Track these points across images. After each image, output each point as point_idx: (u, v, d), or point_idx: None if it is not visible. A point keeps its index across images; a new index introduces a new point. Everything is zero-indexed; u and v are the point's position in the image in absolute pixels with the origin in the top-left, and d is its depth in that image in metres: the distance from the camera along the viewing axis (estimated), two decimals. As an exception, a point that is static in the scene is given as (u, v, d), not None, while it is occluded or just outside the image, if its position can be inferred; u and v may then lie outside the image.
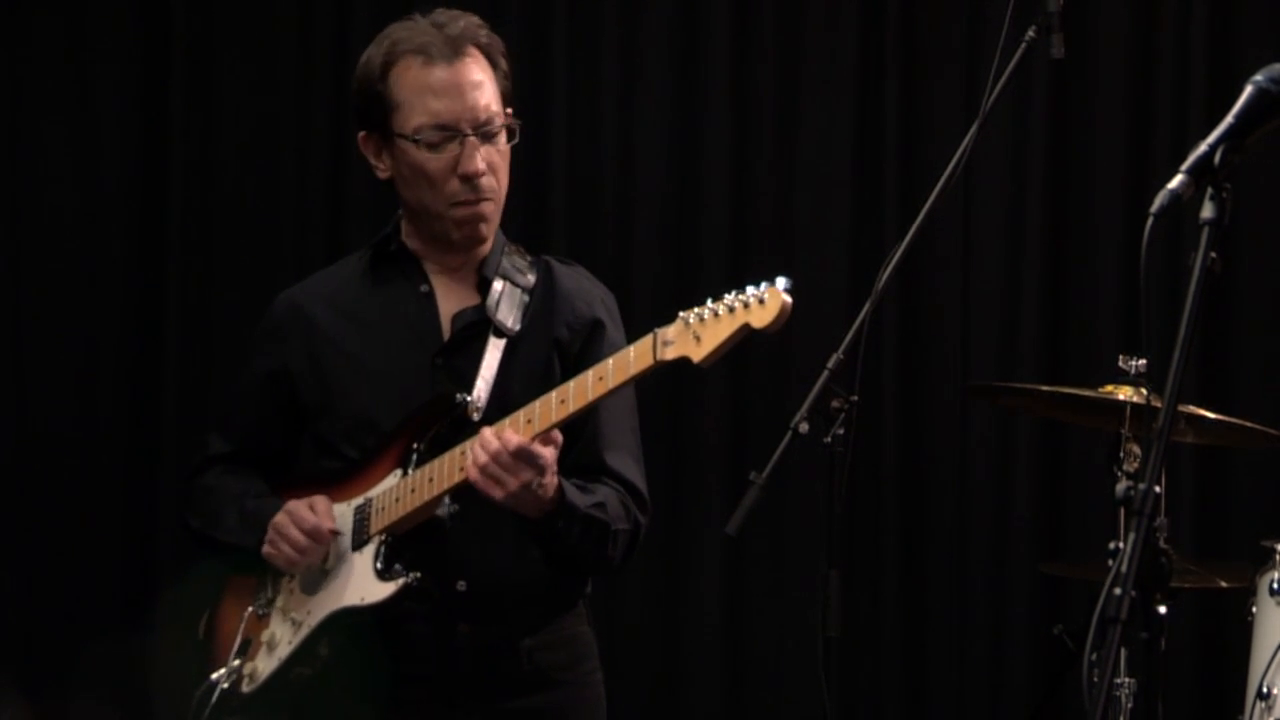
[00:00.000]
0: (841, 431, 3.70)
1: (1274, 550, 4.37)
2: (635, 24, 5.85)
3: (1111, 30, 5.70)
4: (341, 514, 3.46)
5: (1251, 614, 4.41)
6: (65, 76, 5.84)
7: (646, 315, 5.68)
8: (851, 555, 5.54)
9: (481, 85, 3.43)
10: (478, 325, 3.48)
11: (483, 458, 3.22)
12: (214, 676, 3.52)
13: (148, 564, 5.74)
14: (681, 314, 3.12)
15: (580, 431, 3.45)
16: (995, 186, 5.73)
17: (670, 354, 3.11)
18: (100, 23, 5.85)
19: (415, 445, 3.40)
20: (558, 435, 3.27)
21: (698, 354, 3.09)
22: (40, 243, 5.83)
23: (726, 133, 5.82)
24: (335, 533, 3.43)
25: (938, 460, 5.75)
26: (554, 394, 3.24)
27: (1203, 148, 2.48)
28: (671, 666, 5.81)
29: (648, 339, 3.16)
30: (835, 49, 5.80)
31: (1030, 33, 3.96)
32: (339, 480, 3.51)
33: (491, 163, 3.45)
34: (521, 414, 3.26)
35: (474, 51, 3.45)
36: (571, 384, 3.23)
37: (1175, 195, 2.45)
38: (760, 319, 3.06)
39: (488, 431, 3.25)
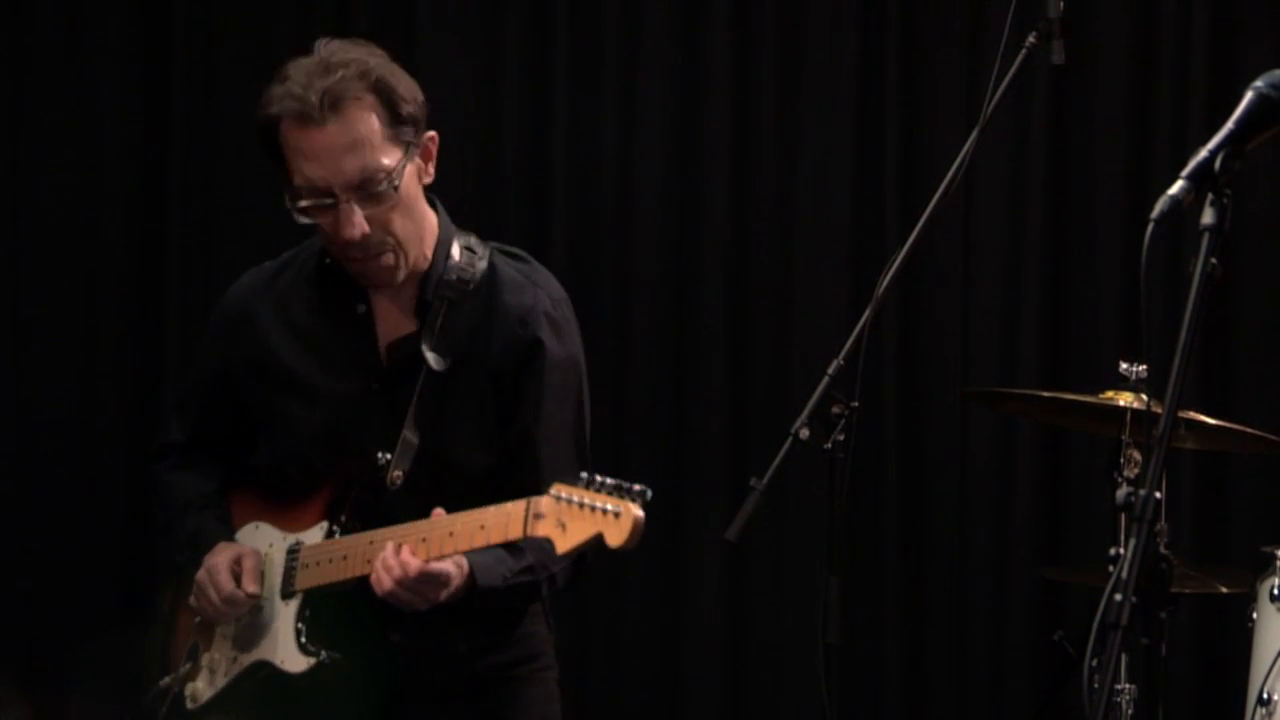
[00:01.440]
0: (842, 437, 3.70)
1: (1274, 556, 4.36)
2: (635, 28, 5.85)
3: (1112, 36, 5.70)
4: (277, 546, 3.46)
5: (1252, 619, 4.41)
6: (65, 77, 5.85)
7: (645, 322, 5.77)
8: (852, 561, 5.49)
9: (355, 145, 3.28)
10: (413, 359, 3.40)
11: (387, 583, 3.21)
12: (163, 683, 3.56)
13: (147, 564, 5.73)
14: (554, 490, 3.06)
15: (520, 458, 3.42)
16: (996, 192, 5.73)
17: (539, 530, 3.08)
18: (101, 22, 5.86)
19: (341, 509, 3.40)
20: (460, 560, 3.25)
21: (559, 546, 3.07)
22: (41, 242, 5.84)
23: (727, 138, 5.82)
24: (254, 596, 3.41)
25: (938, 466, 5.75)
26: (445, 522, 3.21)
27: (1203, 153, 2.48)
28: (672, 672, 5.80)
29: (522, 506, 3.11)
30: (836, 55, 5.80)
31: (1031, 39, 3.97)
32: (277, 500, 3.50)
33: (378, 219, 3.31)
34: (417, 531, 3.23)
35: (349, 109, 3.28)
36: (459, 523, 3.19)
37: (1176, 201, 2.45)
38: (613, 537, 3.01)
39: (389, 554, 3.22)
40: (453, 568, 3.24)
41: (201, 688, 3.51)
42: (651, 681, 5.81)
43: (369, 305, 3.46)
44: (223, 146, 5.86)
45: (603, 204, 5.84)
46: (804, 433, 3.69)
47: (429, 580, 3.21)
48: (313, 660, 3.35)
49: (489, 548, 3.23)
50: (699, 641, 5.78)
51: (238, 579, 3.42)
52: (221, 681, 3.48)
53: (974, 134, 3.88)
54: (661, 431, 5.79)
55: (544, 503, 3.07)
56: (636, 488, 3.02)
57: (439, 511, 3.24)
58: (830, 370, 3.74)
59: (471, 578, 3.28)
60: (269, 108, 3.33)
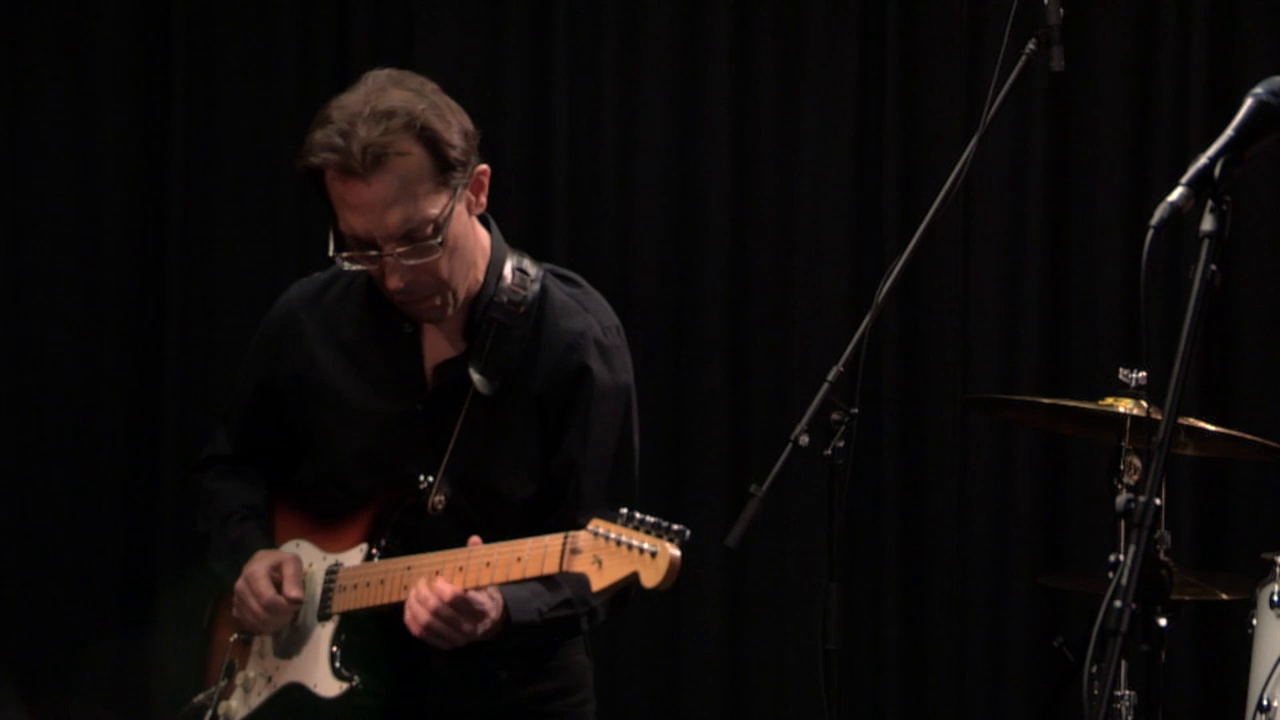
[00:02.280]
0: (842, 444, 3.70)
1: (1274, 562, 4.37)
2: (635, 33, 5.85)
3: (1111, 43, 5.71)
4: (317, 566, 3.42)
5: (1252, 626, 4.41)
6: (65, 79, 5.85)
7: (646, 330, 5.77)
8: (852, 567, 5.54)
9: (401, 198, 3.19)
10: (460, 383, 3.34)
11: (423, 616, 3.17)
12: (198, 699, 3.51)
13: (148, 565, 5.74)
14: (592, 526, 3.03)
15: (563, 487, 3.37)
16: (995, 199, 5.74)
17: (575, 566, 3.04)
18: (100, 24, 5.86)
19: (382, 533, 3.36)
20: (495, 593, 3.21)
21: (595, 583, 3.03)
22: (40, 244, 5.85)
23: (727, 145, 5.82)
24: (297, 601, 3.38)
25: (938, 473, 5.75)
26: (482, 552, 3.16)
27: (1203, 160, 2.48)
28: (672, 678, 5.80)
29: (559, 540, 3.06)
30: (836, 61, 5.80)
31: (1030, 45, 3.97)
32: (319, 519, 3.46)
33: (426, 268, 3.23)
34: (454, 560, 3.19)
35: (393, 163, 3.18)
36: (496, 554, 3.15)
37: (1175, 208, 2.45)
38: (649, 578, 2.98)
39: (422, 586, 3.18)
40: (488, 601, 3.19)
41: (236, 706, 3.46)
42: (652, 687, 5.81)
43: (417, 326, 3.39)
44: (223, 147, 5.86)
45: (602, 209, 5.84)
46: (804, 439, 3.69)
47: (464, 609, 3.16)
48: (345, 685, 3.31)
49: (524, 581, 3.19)
50: (699, 647, 5.78)
51: (278, 586, 3.37)
52: (256, 701, 3.43)
53: (974, 141, 3.88)
54: (662, 437, 5.79)
55: (582, 538, 3.03)
56: (675, 527, 2.99)
57: (475, 540, 3.19)
58: (830, 377, 3.74)
59: (506, 614, 3.24)
60: (309, 157, 3.24)
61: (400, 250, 3.21)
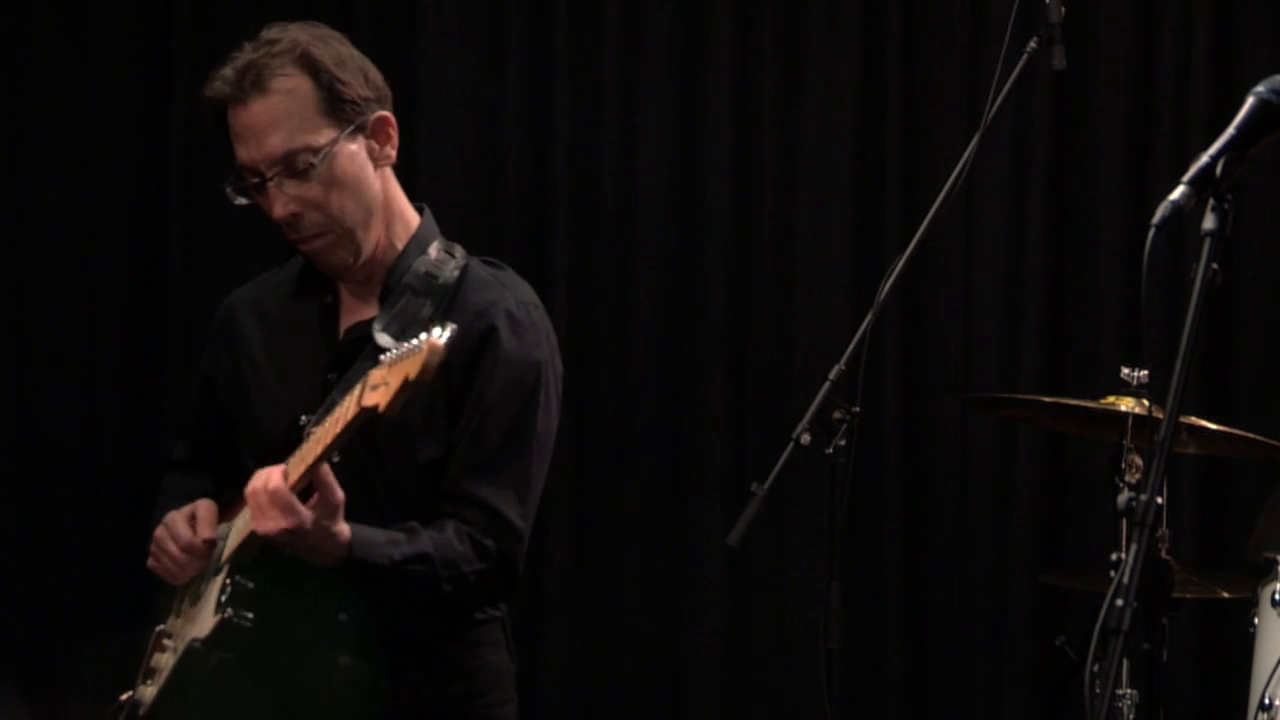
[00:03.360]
0: (843, 443, 3.70)
1: (1275, 561, 4.36)
2: (637, 35, 5.85)
3: (1113, 42, 5.71)
4: (222, 533, 3.36)
5: (1253, 625, 4.41)
6: (66, 83, 5.86)
7: (646, 326, 5.77)
8: (853, 566, 5.54)
9: (279, 121, 3.25)
10: (363, 341, 3.29)
11: (248, 492, 3.12)
12: (123, 697, 3.48)
13: (142, 566, 5.73)
14: (384, 356, 2.97)
15: (452, 454, 3.29)
16: (997, 197, 5.74)
17: (369, 400, 2.95)
18: (101, 26, 5.87)
19: None
20: (338, 495, 3.11)
21: (383, 400, 2.92)
22: (41, 246, 5.85)
23: (728, 143, 5.82)
24: (211, 541, 3.32)
25: (939, 471, 5.75)
26: (317, 430, 3.11)
27: (1204, 159, 2.48)
28: (673, 676, 5.80)
29: (360, 383, 3.00)
30: (837, 60, 5.80)
31: (1032, 44, 3.97)
32: (237, 497, 3.40)
33: (308, 198, 3.27)
34: (303, 448, 3.13)
35: (275, 83, 3.24)
36: (320, 429, 3.09)
37: (1177, 207, 2.45)
38: (412, 369, 2.89)
39: (261, 470, 3.13)
40: (305, 512, 3.08)
41: (150, 692, 3.41)
42: (652, 685, 5.81)
43: (336, 296, 3.40)
44: (224, 149, 5.85)
45: (604, 205, 5.85)
46: (805, 438, 3.70)
47: (279, 503, 3.06)
48: (218, 618, 3.19)
49: (384, 531, 3.16)
50: (700, 646, 5.78)
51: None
52: (163, 678, 3.36)
53: (975, 139, 3.88)
54: (663, 436, 5.80)
55: (376, 373, 2.97)
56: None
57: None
58: (831, 375, 3.74)
59: (349, 547, 3.14)
60: (205, 93, 3.32)
61: (280, 175, 3.26)
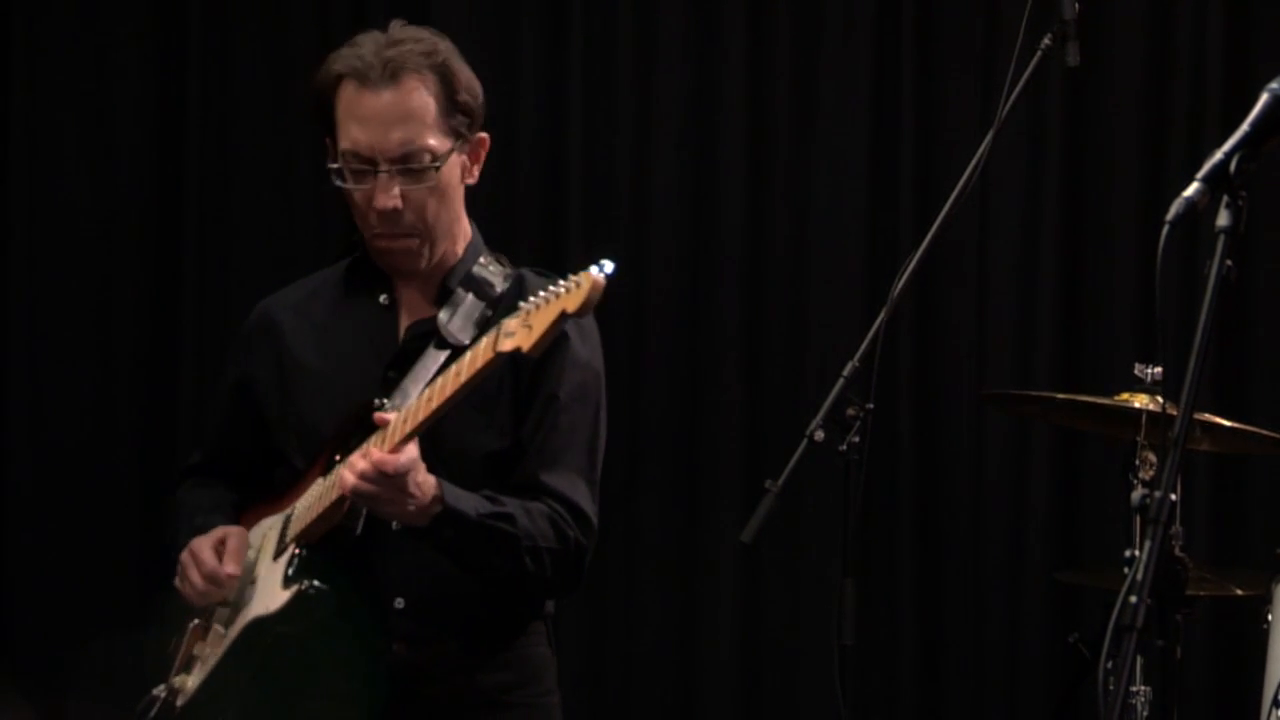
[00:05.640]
0: (857, 439, 3.70)
1: (1289, 558, 4.37)
2: (650, 32, 5.85)
3: (1127, 38, 5.70)
4: (271, 525, 3.38)
5: (1267, 622, 4.41)
6: (82, 80, 5.87)
7: (660, 323, 5.78)
8: (867, 563, 5.53)
9: (408, 118, 3.31)
10: (427, 337, 3.35)
11: (349, 480, 3.13)
12: (154, 691, 3.47)
13: (156, 567, 5.73)
14: (521, 304, 3.03)
15: (529, 449, 3.33)
16: (1011, 194, 5.73)
17: (508, 345, 3.00)
18: (116, 26, 5.88)
19: (336, 453, 3.29)
20: (413, 449, 3.14)
21: (527, 342, 2.98)
22: (56, 246, 5.86)
23: (742, 141, 5.83)
24: (233, 576, 3.33)
25: (953, 468, 5.75)
26: (426, 391, 3.15)
27: (1218, 156, 2.48)
28: (687, 673, 5.81)
29: (493, 331, 3.06)
30: (851, 57, 5.80)
31: (1046, 41, 3.97)
32: (283, 491, 3.42)
33: (413, 198, 3.32)
34: (401, 414, 3.17)
35: (411, 80, 3.32)
36: (438, 379, 3.13)
37: (1191, 203, 2.45)
38: (572, 302, 2.97)
39: (355, 454, 3.15)
40: (399, 465, 3.10)
41: (191, 681, 3.41)
42: (666, 682, 5.81)
43: (393, 295, 3.44)
44: (240, 148, 5.87)
45: (618, 205, 5.85)
46: (819, 435, 3.70)
47: (390, 469, 3.09)
48: (294, 589, 3.22)
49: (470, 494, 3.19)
50: (714, 643, 5.79)
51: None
52: (212, 661, 3.37)
53: (989, 136, 3.88)
54: (677, 433, 5.80)
55: (512, 321, 3.02)
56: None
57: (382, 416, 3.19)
58: (845, 372, 3.74)
59: (441, 499, 3.17)
60: (332, 64, 3.36)
61: (395, 169, 3.30)
